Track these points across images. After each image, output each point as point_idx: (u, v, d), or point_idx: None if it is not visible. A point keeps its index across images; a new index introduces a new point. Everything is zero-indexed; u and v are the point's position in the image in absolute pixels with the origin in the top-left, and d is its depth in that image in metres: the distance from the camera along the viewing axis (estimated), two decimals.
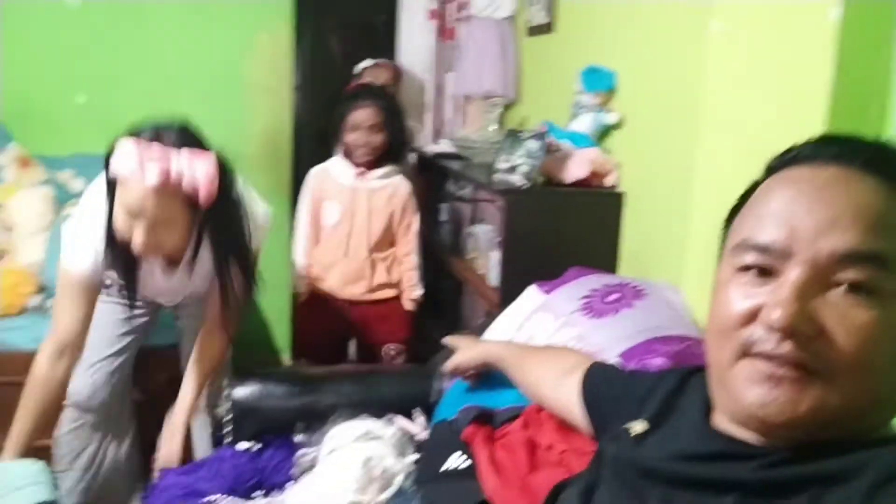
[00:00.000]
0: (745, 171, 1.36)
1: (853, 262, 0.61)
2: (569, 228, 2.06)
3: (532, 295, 1.74)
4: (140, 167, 1.34)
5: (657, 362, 1.30)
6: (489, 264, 2.32)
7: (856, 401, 0.63)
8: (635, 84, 2.04)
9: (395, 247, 2.40)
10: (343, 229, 2.32)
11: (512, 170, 2.08)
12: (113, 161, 1.38)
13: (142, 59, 2.75)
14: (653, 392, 0.88)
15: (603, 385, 1.02)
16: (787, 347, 0.62)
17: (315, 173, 2.37)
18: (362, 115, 2.25)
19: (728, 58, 1.43)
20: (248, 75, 2.81)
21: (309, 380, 1.77)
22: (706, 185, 1.55)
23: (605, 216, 2.07)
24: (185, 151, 1.38)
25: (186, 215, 1.46)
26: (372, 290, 2.36)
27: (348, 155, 2.31)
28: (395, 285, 2.40)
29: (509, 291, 1.87)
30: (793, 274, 0.63)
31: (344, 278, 2.34)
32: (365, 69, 3.12)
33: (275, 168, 2.86)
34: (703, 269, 1.53)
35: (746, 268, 0.67)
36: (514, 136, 2.15)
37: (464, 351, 1.41)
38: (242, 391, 1.69)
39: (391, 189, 2.34)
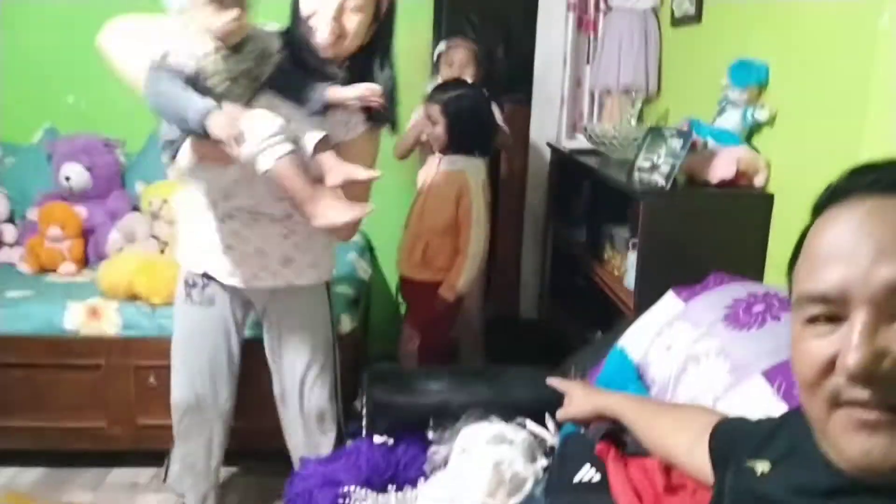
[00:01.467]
0: None
1: None
2: (712, 231, 1.97)
3: (670, 301, 1.68)
4: None
5: None
6: (626, 265, 2.26)
7: None
8: (790, 79, 1.91)
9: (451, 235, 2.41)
10: (415, 209, 2.45)
11: (653, 169, 2.01)
12: None
13: None
14: (775, 433, 0.86)
15: (727, 439, 0.99)
16: (871, 392, 0.61)
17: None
18: (428, 109, 2.39)
19: None
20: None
21: (442, 378, 1.81)
22: None
23: (752, 219, 1.96)
24: None
25: (370, 10, 1.56)
26: (414, 267, 2.43)
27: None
28: (434, 269, 2.42)
29: (646, 295, 1.82)
30: (857, 316, 0.62)
31: (403, 254, 2.47)
32: (440, 54, 2.95)
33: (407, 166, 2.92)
34: None
35: (814, 319, 0.66)
36: (655, 134, 2.08)
37: (577, 403, 1.36)
38: (378, 388, 1.75)
39: (454, 178, 2.36)
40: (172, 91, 1.39)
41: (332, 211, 1.45)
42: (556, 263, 3.19)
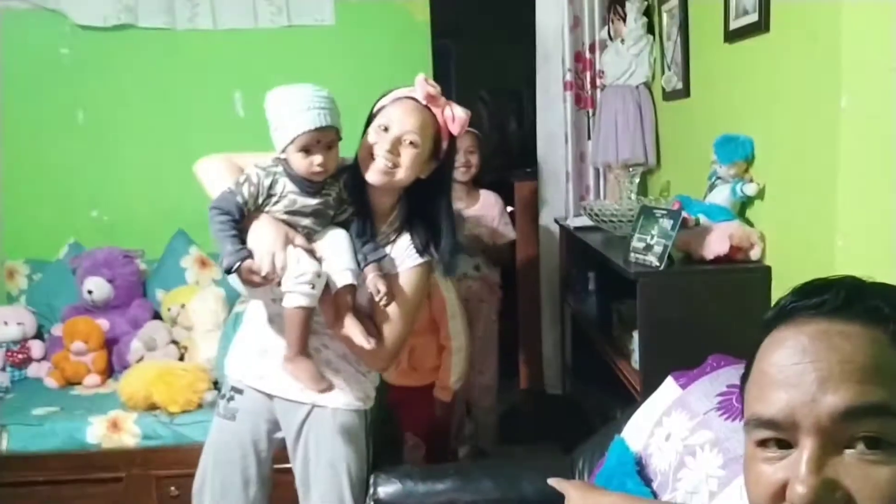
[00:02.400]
0: (886, 248, 1.25)
1: (857, 419, 0.60)
2: (712, 309, 1.96)
3: (669, 387, 1.67)
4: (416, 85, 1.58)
5: None
6: (633, 345, 2.25)
7: None
8: (774, 153, 1.93)
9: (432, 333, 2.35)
10: None
11: (647, 249, 2.02)
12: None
13: None
14: None
15: None
16: None
17: None
18: None
19: (859, 133, 1.32)
20: None
21: (447, 477, 1.80)
22: (847, 263, 1.42)
23: (751, 293, 1.95)
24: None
25: (427, 146, 1.59)
26: (403, 374, 2.35)
27: None
28: (424, 371, 2.36)
29: (650, 375, 1.81)
30: (805, 446, 0.61)
31: None
32: None
33: None
34: None
35: (764, 442, 0.66)
36: (647, 213, 2.09)
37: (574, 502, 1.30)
38: (385, 489, 1.75)
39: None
40: (218, 233, 1.53)
41: (302, 374, 1.60)
42: (576, 338, 3.18)
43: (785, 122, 1.85)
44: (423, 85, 1.58)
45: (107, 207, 3.26)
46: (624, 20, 2.92)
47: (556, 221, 3.26)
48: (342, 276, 1.58)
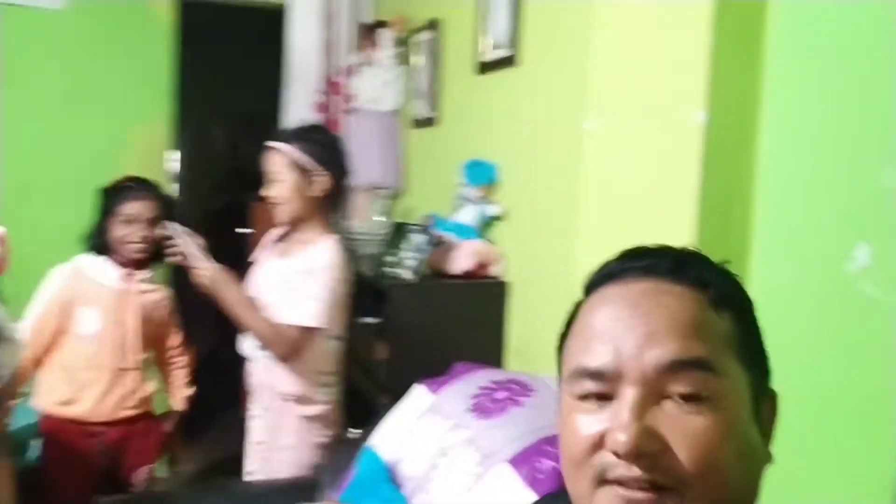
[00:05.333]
0: None
1: (679, 371, 0.63)
2: (456, 321, 2.03)
3: (420, 395, 1.68)
4: None
5: (548, 466, 1.25)
6: (375, 359, 2.24)
7: None
8: (517, 177, 2.07)
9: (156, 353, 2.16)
10: (106, 339, 2.00)
11: (399, 264, 2.04)
12: None
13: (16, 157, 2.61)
14: None
15: None
16: (637, 470, 0.61)
17: (62, 275, 2.01)
18: (140, 208, 2.01)
19: (602, 156, 1.46)
20: (121, 168, 2.70)
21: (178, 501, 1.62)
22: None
23: (491, 307, 2.06)
24: None
25: None
26: (131, 406, 2.06)
27: (111, 252, 2.02)
28: (148, 399, 2.13)
29: (398, 387, 1.80)
30: (628, 395, 0.63)
31: (101, 397, 2.00)
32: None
33: None
34: None
35: (585, 396, 0.67)
36: (400, 230, 2.12)
37: None
38: None
39: (161, 291, 2.14)
40: None
41: None
42: None
43: (528, 148, 2.00)
44: None
45: None
46: (377, 47, 2.98)
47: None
48: None
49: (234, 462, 1.96)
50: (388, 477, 1.52)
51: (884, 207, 0.96)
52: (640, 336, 0.64)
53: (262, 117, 4.90)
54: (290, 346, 1.77)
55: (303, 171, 1.87)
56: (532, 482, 1.24)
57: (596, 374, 0.66)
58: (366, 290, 2.31)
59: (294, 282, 1.80)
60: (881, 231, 0.97)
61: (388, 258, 2.09)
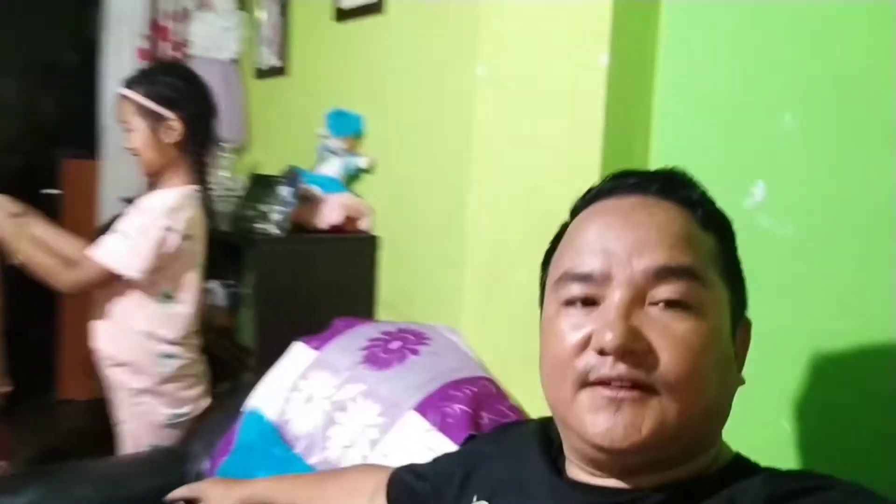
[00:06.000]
0: (521, 213, 1.38)
1: (666, 278, 0.65)
2: (326, 277, 1.96)
3: (301, 352, 1.60)
4: None
5: (457, 409, 1.25)
6: (238, 322, 2.11)
7: (690, 411, 0.64)
8: (387, 128, 2.02)
9: None
10: None
11: (263, 218, 1.92)
12: None
13: None
14: (473, 464, 0.84)
15: (410, 490, 0.94)
16: (621, 368, 0.63)
17: None
18: None
19: (497, 103, 1.45)
20: None
21: (28, 486, 1.42)
22: (479, 229, 1.52)
23: (362, 262, 2.01)
24: None
25: None
26: None
27: None
28: None
29: (268, 350, 1.70)
30: (615, 296, 0.65)
31: None
32: None
33: None
34: (479, 313, 1.53)
35: (571, 301, 0.68)
36: (262, 183, 2.00)
37: (217, 501, 1.14)
38: None
39: None
40: None
41: None
42: None
43: (398, 99, 1.95)
44: None
45: None
46: None
47: (125, 199, 2.89)
48: None
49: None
50: (279, 438, 1.44)
51: (782, 148, 1.05)
52: (630, 244, 0.66)
53: (74, 67, 4.40)
54: (75, 277, 1.61)
55: (153, 116, 1.70)
56: (443, 427, 1.23)
57: (585, 277, 0.67)
58: (225, 249, 2.16)
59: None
60: (778, 169, 1.05)
61: (249, 213, 1.96)
